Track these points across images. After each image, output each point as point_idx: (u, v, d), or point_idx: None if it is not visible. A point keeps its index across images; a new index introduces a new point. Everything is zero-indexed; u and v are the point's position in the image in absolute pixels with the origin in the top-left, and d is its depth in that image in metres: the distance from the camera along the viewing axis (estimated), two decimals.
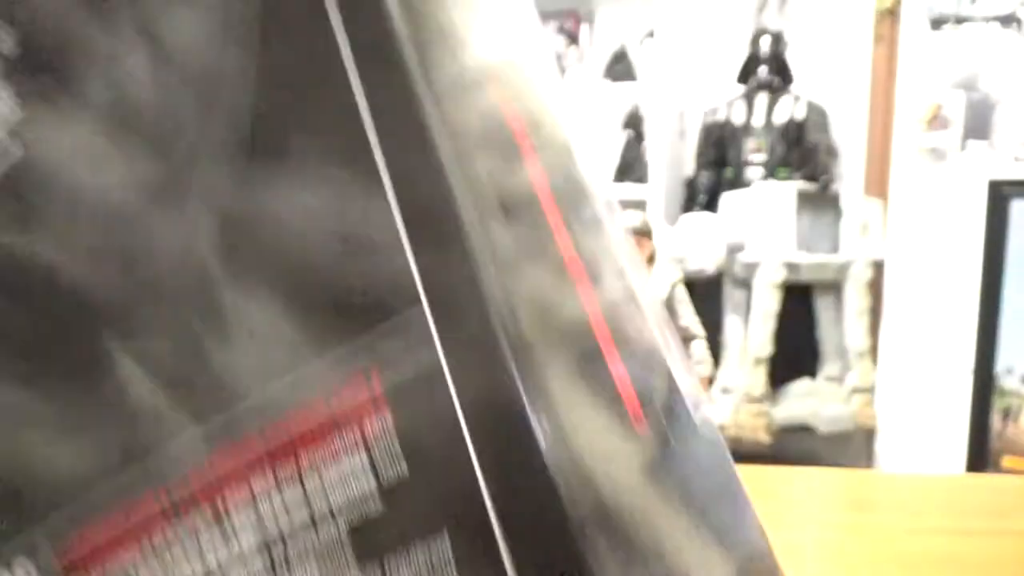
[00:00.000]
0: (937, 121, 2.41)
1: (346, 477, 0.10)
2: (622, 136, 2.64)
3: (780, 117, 2.43)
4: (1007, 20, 2.35)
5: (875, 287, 2.38)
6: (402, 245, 0.11)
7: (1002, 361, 2.33)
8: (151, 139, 0.12)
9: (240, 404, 0.11)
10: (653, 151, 2.57)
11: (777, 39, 2.44)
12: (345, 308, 0.11)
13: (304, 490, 0.11)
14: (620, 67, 2.67)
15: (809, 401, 2.23)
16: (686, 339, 1.17)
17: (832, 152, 2.49)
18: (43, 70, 0.13)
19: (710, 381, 1.14)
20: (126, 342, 0.12)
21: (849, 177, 2.52)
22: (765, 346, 2.18)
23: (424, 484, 0.10)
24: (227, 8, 0.12)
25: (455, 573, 0.10)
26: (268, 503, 0.11)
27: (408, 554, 0.10)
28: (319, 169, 0.12)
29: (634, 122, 2.62)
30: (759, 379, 2.18)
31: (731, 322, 2.29)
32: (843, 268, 2.27)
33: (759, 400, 2.17)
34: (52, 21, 0.13)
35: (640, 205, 2.39)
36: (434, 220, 0.11)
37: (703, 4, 2.70)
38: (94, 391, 0.12)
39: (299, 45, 0.12)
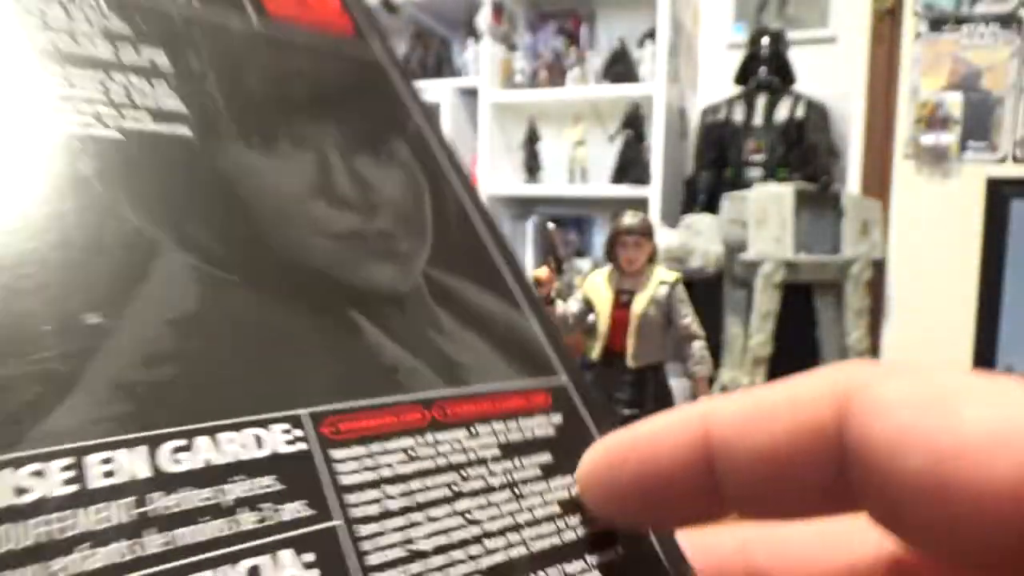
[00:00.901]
0: (937, 121, 2.41)
1: (535, 426, 0.19)
2: (622, 136, 2.64)
3: (780, 117, 2.43)
4: (1007, 20, 2.35)
5: (875, 287, 2.38)
6: (541, 339, 0.21)
7: (1002, 361, 2.33)
8: (353, 208, 0.20)
9: (468, 384, 0.19)
10: (653, 151, 2.57)
11: (777, 39, 2.44)
12: (518, 357, 0.20)
13: (506, 425, 0.18)
14: (620, 67, 2.67)
15: None
16: (686, 339, 1.17)
17: (832, 152, 2.49)
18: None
19: (710, 381, 1.15)
20: (372, 318, 0.18)
21: (849, 177, 2.53)
22: (765, 346, 2.18)
23: (569, 439, 0.19)
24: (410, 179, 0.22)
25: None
26: (488, 427, 0.18)
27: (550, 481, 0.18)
28: (475, 278, 0.21)
29: (634, 122, 2.62)
30: (759, 379, 2.18)
31: (731, 322, 2.28)
32: (843, 268, 2.27)
33: None
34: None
35: (640, 205, 2.39)
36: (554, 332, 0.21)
37: (703, 4, 2.70)
38: (350, 344, 0.18)
39: (451, 221, 0.22)
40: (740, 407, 0.13)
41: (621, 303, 1.17)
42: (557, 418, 0.19)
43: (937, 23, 2.41)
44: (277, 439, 0.15)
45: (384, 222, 0.20)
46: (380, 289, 0.19)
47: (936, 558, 0.12)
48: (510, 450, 0.18)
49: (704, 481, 0.14)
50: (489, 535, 0.16)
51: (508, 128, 2.85)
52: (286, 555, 0.14)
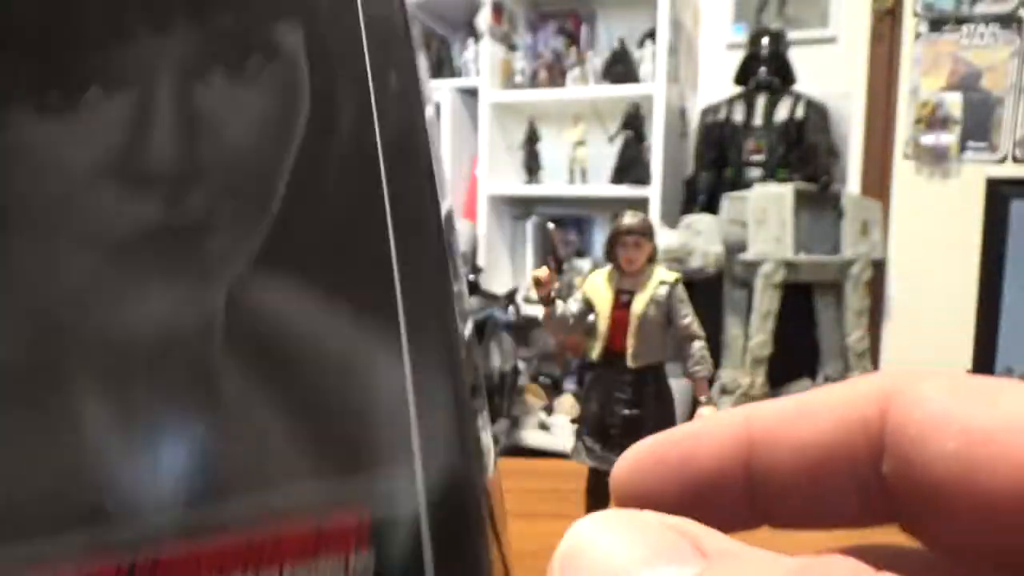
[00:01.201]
0: (937, 121, 2.41)
1: None
2: (622, 136, 2.64)
3: (780, 117, 2.43)
4: (1007, 20, 2.35)
5: (875, 287, 2.38)
6: (408, 407, 0.12)
7: (1002, 361, 2.33)
8: (160, 187, 0.13)
9: (231, 499, 0.11)
10: (653, 151, 2.57)
11: (777, 39, 2.44)
12: (346, 441, 0.11)
13: None
14: (620, 67, 2.67)
15: None
16: (686, 339, 1.17)
17: (833, 152, 2.49)
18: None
19: (710, 381, 1.14)
20: (105, 396, 0.12)
21: (849, 177, 2.53)
22: (765, 346, 2.18)
23: None
24: (276, 101, 0.14)
25: None
26: None
27: None
28: (334, 295, 0.13)
29: (634, 122, 2.62)
30: (759, 379, 2.18)
31: (731, 322, 2.28)
32: (843, 268, 2.27)
33: (759, 400, 2.17)
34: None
35: (640, 205, 2.39)
36: (442, 388, 0.12)
37: (703, 4, 2.70)
38: (63, 438, 0.12)
39: (343, 183, 0.14)
40: (785, 405, 0.14)
41: (621, 303, 1.17)
42: (370, 560, 0.11)
43: (937, 23, 2.41)
44: None
45: (200, 197, 0.13)
46: (142, 335, 0.12)
47: (965, 559, 0.12)
48: None
49: (744, 483, 0.13)
50: None
51: (508, 128, 2.85)
52: None
